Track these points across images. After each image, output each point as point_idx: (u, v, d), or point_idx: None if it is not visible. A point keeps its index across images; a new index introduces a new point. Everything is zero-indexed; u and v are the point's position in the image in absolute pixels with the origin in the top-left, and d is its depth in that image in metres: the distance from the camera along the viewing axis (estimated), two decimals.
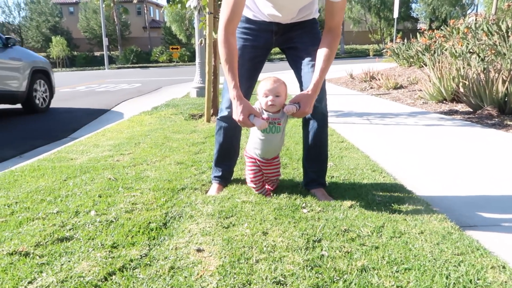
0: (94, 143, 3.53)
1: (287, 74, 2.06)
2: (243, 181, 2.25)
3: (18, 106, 6.30)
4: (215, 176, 2.19)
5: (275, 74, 1.97)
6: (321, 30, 1.92)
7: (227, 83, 1.78)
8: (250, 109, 1.73)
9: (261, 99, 1.83)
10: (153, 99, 8.00)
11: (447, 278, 1.22)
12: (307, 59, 1.93)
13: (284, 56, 2.14)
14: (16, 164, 2.90)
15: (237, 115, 1.73)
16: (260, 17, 1.93)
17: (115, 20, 35.72)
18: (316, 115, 1.95)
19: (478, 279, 1.21)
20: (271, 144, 1.90)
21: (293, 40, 1.98)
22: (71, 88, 11.21)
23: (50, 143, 4.08)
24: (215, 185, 2.17)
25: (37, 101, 6.20)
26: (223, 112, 2.02)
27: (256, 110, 1.75)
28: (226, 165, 2.20)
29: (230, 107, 1.92)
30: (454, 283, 1.19)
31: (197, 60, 7.58)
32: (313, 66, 1.86)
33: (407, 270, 1.28)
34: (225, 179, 2.21)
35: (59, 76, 18.48)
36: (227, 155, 2.18)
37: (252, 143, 1.95)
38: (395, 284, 1.20)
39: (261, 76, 2.06)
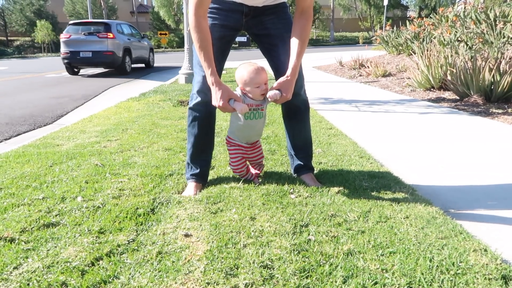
0: (81, 129, 3.48)
1: (264, 61, 2.04)
2: None
3: None
4: (191, 175, 1.98)
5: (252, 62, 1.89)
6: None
7: (204, 69, 1.71)
8: (229, 94, 1.71)
9: (250, 88, 1.77)
10: (141, 85, 7.90)
11: (430, 261, 1.25)
12: (282, 47, 1.86)
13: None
14: (0, 150, 2.85)
15: (216, 101, 1.69)
16: None
17: (102, 4, 34.93)
18: (298, 102, 1.94)
19: (461, 262, 1.23)
20: (255, 129, 1.91)
21: (266, 26, 1.89)
22: (56, 74, 10.99)
23: (36, 129, 4.02)
24: (191, 185, 1.96)
25: (150, 63, 13.19)
26: (195, 99, 1.88)
27: (236, 95, 1.73)
28: (203, 160, 2.01)
29: (202, 91, 1.84)
30: (437, 266, 1.22)
31: (186, 46, 7.50)
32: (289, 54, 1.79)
33: (392, 253, 1.30)
34: (203, 177, 2.01)
35: (45, 62, 18.10)
36: (204, 149, 2.01)
37: (235, 129, 1.93)
38: (380, 267, 1.22)
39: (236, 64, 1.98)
